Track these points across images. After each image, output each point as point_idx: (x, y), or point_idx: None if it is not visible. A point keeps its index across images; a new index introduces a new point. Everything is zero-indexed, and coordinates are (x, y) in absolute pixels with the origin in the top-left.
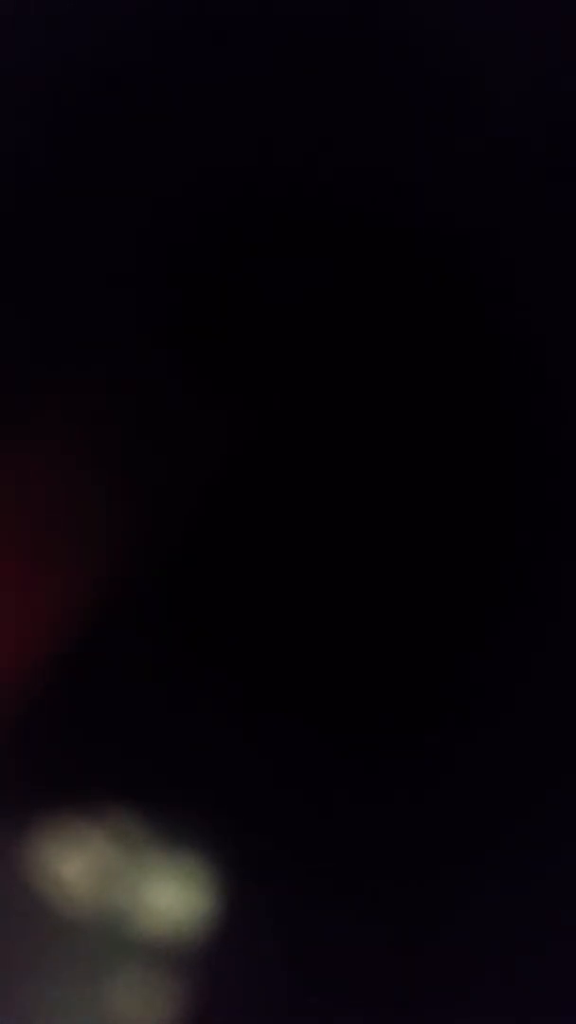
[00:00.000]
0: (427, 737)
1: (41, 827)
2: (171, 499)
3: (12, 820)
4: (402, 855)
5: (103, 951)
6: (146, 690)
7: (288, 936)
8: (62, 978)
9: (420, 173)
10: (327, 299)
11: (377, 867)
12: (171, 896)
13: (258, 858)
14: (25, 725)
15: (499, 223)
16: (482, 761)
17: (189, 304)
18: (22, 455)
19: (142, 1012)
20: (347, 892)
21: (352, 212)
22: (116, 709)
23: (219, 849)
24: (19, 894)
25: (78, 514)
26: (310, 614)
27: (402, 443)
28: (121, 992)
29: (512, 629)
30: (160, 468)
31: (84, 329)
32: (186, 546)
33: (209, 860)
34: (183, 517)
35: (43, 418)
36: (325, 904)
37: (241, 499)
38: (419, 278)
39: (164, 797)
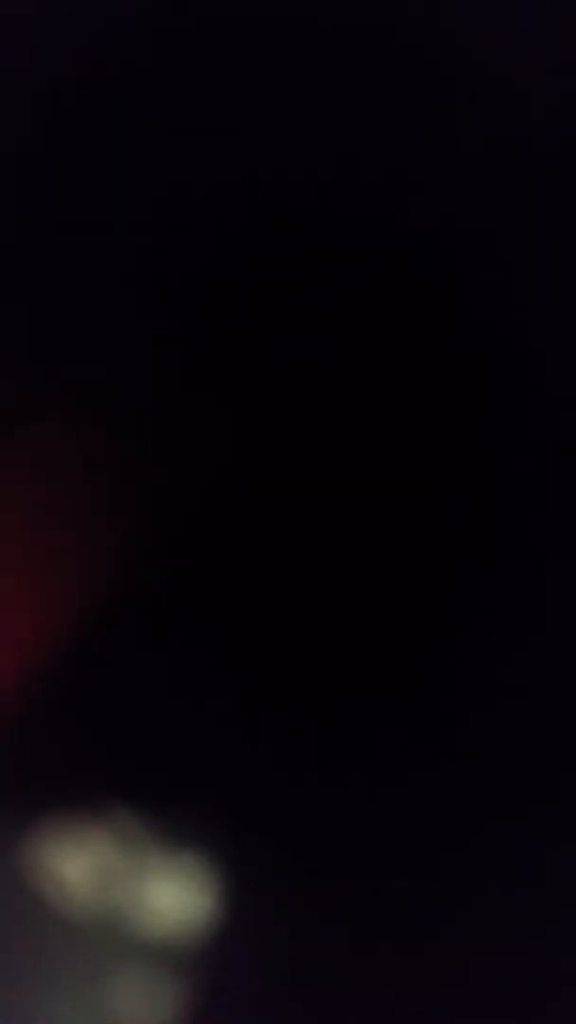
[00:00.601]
0: (427, 737)
1: (41, 827)
2: (171, 500)
3: (12, 820)
4: (403, 855)
5: (103, 951)
6: (146, 690)
7: (288, 936)
8: (62, 978)
9: (420, 173)
10: (327, 299)
11: (378, 867)
12: (171, 896)
13: (258, 858)
14: (25, 725)
15: (499, 223)
16: (483, 760)
17: (189, 304)
18: (22, 455)
19: (142, 1012)
20: (347, 892)
21: (352, 212)
22: (116, 709)
23: (219, 849)
24: (19, 894)
25: (78, 514)
26: (311, 615)
27: (402, 443)
28: (121, 992)
29: (512, 628)
30: (160, 469)
31: (84, 330)
32: (186, 546)
33: (209, 860)
34: (183, 517)
35: (44, 419)
36: (325, 904)
37: (241, 499)
38: (420, 279)
39: (164, 797)
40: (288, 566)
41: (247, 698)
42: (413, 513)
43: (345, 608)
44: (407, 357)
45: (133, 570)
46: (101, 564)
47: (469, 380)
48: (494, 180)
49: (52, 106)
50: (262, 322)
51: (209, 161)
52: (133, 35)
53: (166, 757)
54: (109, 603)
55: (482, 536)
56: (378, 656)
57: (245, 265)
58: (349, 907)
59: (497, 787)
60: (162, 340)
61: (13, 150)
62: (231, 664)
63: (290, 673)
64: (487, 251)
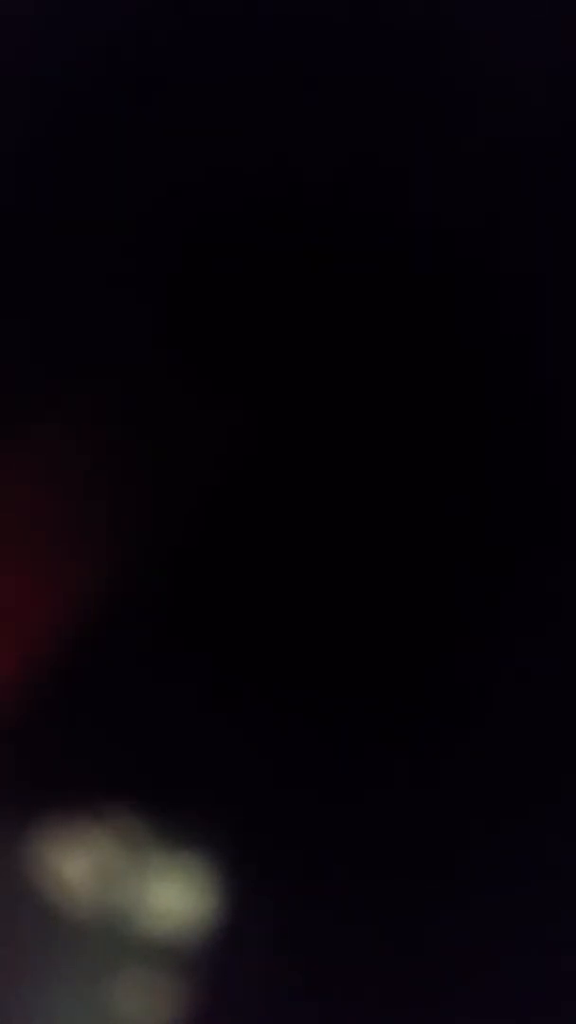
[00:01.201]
0: (428, 738)
1: (42, 828)
2: (171, 500)
3: (13, 820)
4: (403, 855)
5: (104, 952)
6: (147, 689)
7: (289, 936)
8: (63, 979)
9: (420, 173)
10: (327, 299)
11: (378, 867)
12: (172, 897)
13: (259, 858)
14: (25, 725)
15: (499, 223)
16: (483, 760)
17: (188, 305)
18: (22, 456)
19: (142, 1012)
20: (348, 892)
21: (352, 212)
22: (117, 709)
23: (221, 849)
24: (19, 894)
25: (78, 514)
26: (312, 615)
27: (402, 443)
28: (122, 992)
29: (512, 627)
30: (160, 469)
31: (84, 330)
32: (186, 546)
33: (210, 860)
34: (183, 518)
35: (45, 419)
36: (326, 904)
37: (241, 500)
38: (419, 279)
39: (166, 797)
40: (288, 566)
41: (248, 698)
42: (413, 513)
43: (345, 608)
44: (407, 357)
45: (134, 571)
46: (101, 564)
47: (469, 380)
48: (494, 180)
49: (52, 106)
50: (262, 322)
51: (209, 161)
52: (133, 35)
53: (167, 757)
54: (110, 604)
55: (482, 536)
56: (379, 656)
57: (245, 265)
58: (350, 908)
59: (497, 787)
60: (162, 340)
61: (13, 150)
62: (232, 664)
63: (291, 673)
64: (487, 251)
